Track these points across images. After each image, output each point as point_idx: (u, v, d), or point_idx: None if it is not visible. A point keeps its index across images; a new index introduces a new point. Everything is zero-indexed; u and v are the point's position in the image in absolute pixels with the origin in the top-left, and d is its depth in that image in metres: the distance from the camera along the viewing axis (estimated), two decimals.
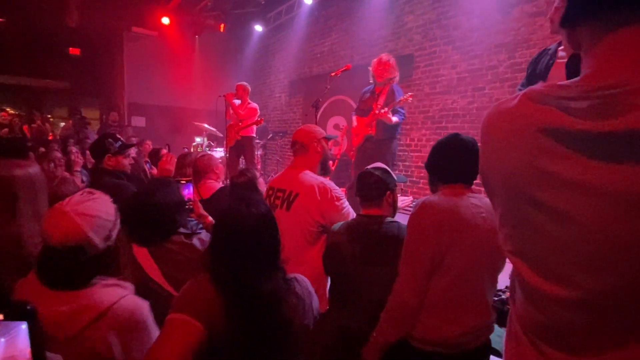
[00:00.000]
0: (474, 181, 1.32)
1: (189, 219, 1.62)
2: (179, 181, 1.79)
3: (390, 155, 3.52)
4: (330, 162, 3.27)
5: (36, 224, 1.37)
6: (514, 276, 0.64)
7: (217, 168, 2.42)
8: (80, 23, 7.64)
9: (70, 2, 7.20)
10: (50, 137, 6.63)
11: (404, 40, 5.64)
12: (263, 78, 9.38)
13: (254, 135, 5.42)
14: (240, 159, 5.46)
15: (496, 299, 1.87)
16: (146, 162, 4.03)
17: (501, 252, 0.67)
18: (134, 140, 5.49)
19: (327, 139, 2.01)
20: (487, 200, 1.23)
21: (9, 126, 6.76)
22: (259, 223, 1.07)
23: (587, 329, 0.54)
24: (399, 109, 3.44)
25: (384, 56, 3.59)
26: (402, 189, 5.19)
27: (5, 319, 0.49)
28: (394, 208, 1.64)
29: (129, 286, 1.09)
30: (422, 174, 5.34)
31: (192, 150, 6.94)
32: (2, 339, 0.49)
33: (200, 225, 1.61)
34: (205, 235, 1.53)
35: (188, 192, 1.80)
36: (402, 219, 1.56)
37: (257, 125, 5.24)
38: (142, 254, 1.37)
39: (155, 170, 3.40)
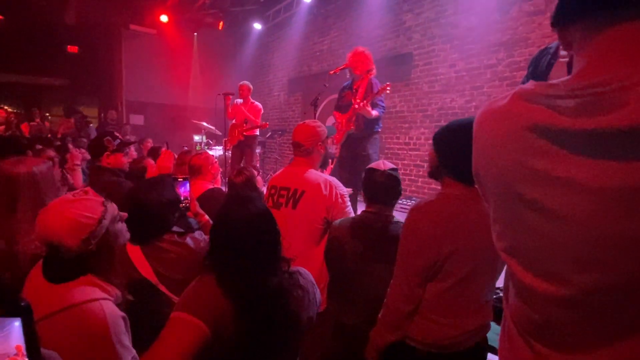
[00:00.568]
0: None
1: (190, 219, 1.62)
2: (176, 179, 1.78)
3: (374, 150, 3.41)
4: (330, 160, 3.27)
5: (32, 224, 1.37)
6: (507, 275, 0.65)
7: (213, 168, 2.41)
8: (78, 21, 7.62)
9: None
10: (49, 135, 6.60)
11: (402, 38, 5.63)
12: (262, 76, 9.36)
13: (257, 135, 5.43)
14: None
15: (494, 297, 1.87)
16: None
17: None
18: (132, 138, 5.48)
19: (327, 137, 2.01)
20: None
21: (5, 124, 6.73)
22: (257, 220, 1.07)
23: (579, 326, 0.54)
24: (379, 102, 3.35)
25: (359, 48, 3.51)
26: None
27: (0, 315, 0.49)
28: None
29: (113, 292, 1.04)
30: (420, 173, 5.35)
31: (195, 148, 6.92)
32: None
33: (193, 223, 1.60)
34: (199, 234, 1.53)
35: (184, 190, 1.80)
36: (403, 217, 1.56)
37: (262, 128, 5.32)
38: (135, 252, 1.37)
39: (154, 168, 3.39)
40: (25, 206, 1.38)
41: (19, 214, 1.37)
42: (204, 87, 9.17)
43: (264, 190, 2.10)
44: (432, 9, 5.21)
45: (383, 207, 1.59)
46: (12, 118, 6.93)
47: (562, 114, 0.50)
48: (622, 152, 0.45)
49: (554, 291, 0.53)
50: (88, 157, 3.05)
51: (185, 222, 1.55)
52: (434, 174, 1.30)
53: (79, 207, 1.02)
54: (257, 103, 5.29)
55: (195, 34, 8.90)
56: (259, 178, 2.23)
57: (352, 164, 3.40)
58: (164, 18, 8.10)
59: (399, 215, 1.57)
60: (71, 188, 2.98)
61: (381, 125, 3.50)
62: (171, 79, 8.80)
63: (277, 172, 2.06)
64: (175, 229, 1.46)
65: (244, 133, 5.15)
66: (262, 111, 5.33)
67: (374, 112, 3.29)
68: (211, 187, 2.36)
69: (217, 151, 6.67)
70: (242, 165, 5.09)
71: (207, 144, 7.25)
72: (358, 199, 3.15)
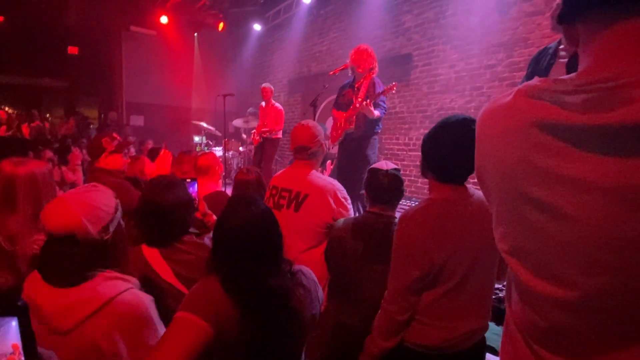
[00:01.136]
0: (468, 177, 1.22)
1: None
2: (184, 180, 1.78)
3: (372, 152, 3.31)
4: (329, 161, 3.26)
5: (32, 223, 1.37)
6: (510, 276, 0.63)
7: (220, 169, 2.42)
8: (78, 22, 7.63)
9: (69, 1, 7.18)
10: (49, 137, 6.61)
11: (402, 39, 5.63)
12: (261, 77, 9.36)
13: (279, 138, 5.43)
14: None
15: (493, 297, 1.87)
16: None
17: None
18: (132, 139, 5.49)
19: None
20: (478, 194, 1.21)
21: (6, 124, 6.74)
22: (259, 221, 1.07)
23: (587, 331, 0.51)
24: (380, 103, 3.24)
25: (362, 45, 3.37)
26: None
27: None
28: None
29: (133, 280, 1.08)
30: (419, 173, 5.34)
31: (195, 149, 6.93)
32: None
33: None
34: None
35: (192, 190, 1.80)
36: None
37: (274, 130, 5.32)
38: (152, 255, 1.36)
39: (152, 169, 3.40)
40: (25, 206, 1.38)
41: (18, 214, 1.37)
42: (204, 88, 9.18)
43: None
44: (431, 10, 5.21)
45: (385, 207, 1.58)
46: (14, 119, 6.94)
47: (569, 110, 0.48)
48: (632, 149, 0.44)
49: (561, 295, 0.51)
50: (88, 158, 3.06)
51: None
52: (423, 174, 1.31)
53: (96, 196, 1.04)
54: (278, 105, 5.34)
55: (196, 34, 8.90)
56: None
57: (350, 167, 3.31)
58: (164, 19, 8.11)
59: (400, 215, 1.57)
60: (72, 187, 2.99)
61: (381, 126, 3.41)
62: (171, 80, 8.81)
63: (278, 173, 2.05)
64: (192, 230, 1.46)
65: (262, 135, 5.24)
66: (283, 112, 5.35)
67: (376, 112, 3.17)
68: (218, 188, 2.37)
69: (217, 152, 6.68)
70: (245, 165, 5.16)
71: (207, 145, 7.25)
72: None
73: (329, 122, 6.96)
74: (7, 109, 8.06)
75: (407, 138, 5.55)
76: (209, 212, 1.74)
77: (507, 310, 0.64)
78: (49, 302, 0.96)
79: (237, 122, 7.03)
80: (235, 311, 0.99)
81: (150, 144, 5.08)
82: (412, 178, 5.42)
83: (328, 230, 1.82)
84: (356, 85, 3.40)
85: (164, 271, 1.34)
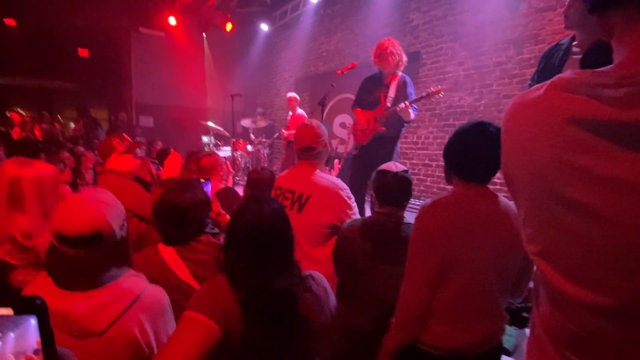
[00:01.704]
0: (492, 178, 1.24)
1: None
2: (198, 180, 1.81)
3: (396, 155, 3.23)
4: (337, 160, 3.24)
5: (43, 221, 1.39)
6: (537, 279, 0.59)
7: (222, 169, 2.44)
8: (88, 25, 7.73)
9: (79, 4, 7.28)
10: (60, 138, 6.71)
11: (410, 37, 5.60)
12: (269, 77, 9.39)
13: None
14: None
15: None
16: (154, 162, 4.07)
17: (517, 252, 0.61)
18: (141, 140, 5.55)
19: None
20: (502, 198, 1.20)
21: (20, 126, 6.86)
22: (272, 221, 1.07)
23: (622, 339, 0.48)
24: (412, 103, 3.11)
25: (384, 41, 3.16)
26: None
27: (15, 313, 0.50)
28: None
29: (144, 276, 1.13)
30: (429, 172, 5.31)
31: (204, 149, 6.98)
32: (12, 334, 0.49)
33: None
34: None
35: (207, 190, 1.82)
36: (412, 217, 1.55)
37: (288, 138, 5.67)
38: (169, 254, 1.37)
39: (162, 170, 3.43)
40: (34, 205, 1.40)
41: (28, 213, 1.39)
42: (213, 88, 9.23)
43: None
44: (439, 7, 5.17)
45: (394, 208, 1.58)
46: (27, 122, 7.06)
47: (609, 105, 0.45)
48: None
49: (596, 300, 0.49)
50: (99, 159, 3.10)
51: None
52: (448, 180, 1.32)
53: (107, 196, 1.06)
54: (300, 112, 5.65)
55: (204, 34, 8.96)
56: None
57: (375, 167, 3.21)
58: (172, 20, 8.17)
59: (408, 216, 1.56)
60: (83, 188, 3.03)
61: (405, 125, 3.28)
62: (180, 80, 8.87)
63: (283, 173, 2.05)
64: (208, 229, 1.47)
65: (288, 137, 5.60)
66: (303, 119, 5.53)
67: (412, 114, 3.05)
68: (222, 186, 2.39)
69: (225, 152, 6.72)
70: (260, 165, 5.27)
71: (216, 145, 7.30)
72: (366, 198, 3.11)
73: (338, 120, 6.96)
74: (19, 110, 8.20)
75: (415, 137, 5.51)
76: (223, 211, 1.75)
77: (534, 313, 0.61)
78: (77, 307, 0.95)
79: (246, 122, 7.06)
80: (239, 311, 0.99)
81: (159, 145, 5.12)
82: (421, 177, 5.38)
83: (332, 230, 1.82)
84: (385, 82, 3.21)
85: (181, 270, 1.35)
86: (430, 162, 5.30)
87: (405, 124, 3.21)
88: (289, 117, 5.95)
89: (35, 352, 0.51)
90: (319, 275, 1.18)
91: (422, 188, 5.34)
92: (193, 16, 8.36)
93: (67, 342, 0.92)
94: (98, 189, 1.10)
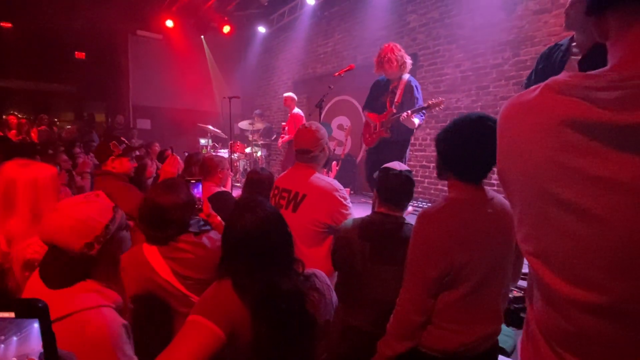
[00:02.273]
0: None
1: (197, 218, 1.64)
2: (189, 181, 1.81)
3: (404, 160, 3.21)
4: (335, 162, 3.25)
5: (31, 226, 1.36)
6: (532, 278, 0.60)
7: (222, 173, 2.44)
8: (85, 27, 7.72)
9: (76, 7, 7.27)
10: (57, 141, 6.69)
11: (407, 39, 5.62)
12: (267, 79, 9.40)
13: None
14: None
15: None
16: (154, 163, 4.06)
17: (515, 253, 0.61)
18: (138, 142, 5.54)
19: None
20: (498, 197, 1.20)
21: (16, 129, 6.84)
22: (266, 224, 1.07)
23: (615, 337, 0.49)
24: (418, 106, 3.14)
25: (384, 47, 3.15)
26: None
27: (17, 316, 0.50)
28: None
29: (113, 298, 1.01)
30: (426, 174, 5.32)
31: (202, 151, 6.98)
32: (14, 337, 0.49)
33: (202, 223, 1.61)
34: (214, 234, 1.54)
35: (197, 191, 1.82)
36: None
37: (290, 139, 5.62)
38: (152, 254, 1.38)
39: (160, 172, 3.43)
40: (24, 209, 1.38)
41: (16, 217, 1.37)
42: (210, 90, 9.23)
43: None
44: (436, 10, 5.20)
45: (394, 208, 1.58)
46: (24, 124, 7.03)
47: (602, 107, 0.46)
48: None
49: (590, 299, 0.49)
50: (96, 162, 3.09)
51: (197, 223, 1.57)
52: (440, 175, 1.28)
53: (88, 209, 1.01)
54: (296, 111, 5.59)
55: (203, 36, 8.96)
56: None
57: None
58: (169, 23, 8.17)
59: (409, 218, 1.57)
60: (80, 192, 3.02)
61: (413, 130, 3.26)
62: (177, 83, 8.87)
63: (282, 174, 2.06)
64: (191, 229, 1.48)
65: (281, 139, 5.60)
66: (303, 118, 5.54)
67: (416, 121, 3.05)
68: (218, 189, 2.39)
69: (222, 154, 6.71)
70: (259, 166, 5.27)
71: (213, 147, 7.29)
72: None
73: (335, 122, 6.98)
74: (16, 113, 8.17)
75: (412, 138, 5.51)
76: (213, 212, 1.76)
77: (528, 312, 0.62)
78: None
79: (243, 124, 7.06)
80: (247, 315, 0.99)
81: (157, 147, 5.11)
82: (419, 178, 5.40)
83: (327, 230, 1.82)
84: (390, 88, 3.24)
85: (162, 269, 1.37)
86: (427, 164, 5.31)
87: (413, 130, 3.22)
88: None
89: (40, 356, 0.51)
90: (321, 273, 1.19)
91: (419, 189, 5.35)
92: (190, 19, 8.36)
93: None
94: (89, 198, 1.06)
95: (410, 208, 2.04)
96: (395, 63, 3.10)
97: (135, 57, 8.74)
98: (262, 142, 7.25)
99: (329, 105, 7.01)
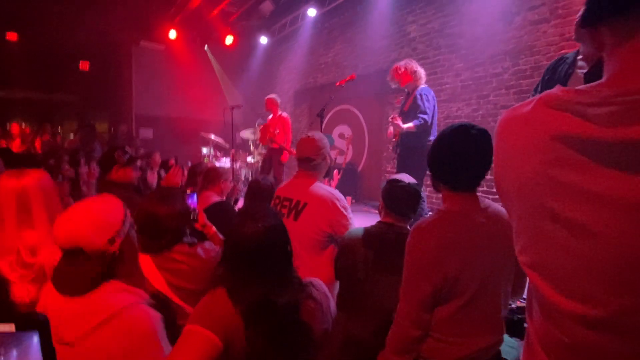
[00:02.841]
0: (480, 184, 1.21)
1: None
2: (184, 191, 1.82)
3: (421, 167, 3.16)
4: (336, 170, 3.27)
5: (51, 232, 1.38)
6: (531, 290, 0.60)
7: (224, 183, 2.45)
8: (89, 38, 7.83)
9: (80, 18, 7.38)
10: (60, 151, 6.72)
11: (407, 49, 5.67)
12: (268, 89, 9.45)
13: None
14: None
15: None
16: (157, 172, 4.07)
17: (515, 263, 0.61)
18: (141, 151, 5.56)
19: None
20: (494, 205, 1.20)
21: (21, 137, 6.89)
22: (267, 236, 1.07)
23: (612, 351, 0.48)
24: (420, 115, 3.29)
25: (398, 65, 3.52)
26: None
27: (18, 329, 0.50)
28: None
29: (143, 294, 1.06)
30: (427, 182, 5.32)
31: (203, 160, 7.00)
32: (14, 350, 0.50)
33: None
34: (209, 244, 1.54)
35: (192, 202, 1.83)
36: None
37: (291, 154, 5.29)
38: (145, 262, 1.38)
39: (163, 182, 3.44)
40: (42, 216, 1.37)
41: (36, 225, 1.36)
42: (212, 100, 9.30)
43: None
44: (436, 20, 5.25)
45: (399, 219, 1.59)
46: (28, 134, 7.08)
47: (594, 123, 0.46)
48: None
49: (585, 312, 0.49)
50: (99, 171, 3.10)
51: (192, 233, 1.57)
52: (435, 187, 1.28)
53: (104, 207, 1.05)
54: (284, 114, 5.30)
55: (206, 46, 9.05)
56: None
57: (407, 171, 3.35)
58: (172, 34, 8.28)
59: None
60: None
61: (430, 139, 3.35)
62: (180, 92, 8.94)
63: (283, 183, 2.07)
64: (185, 239, 1.48)
65: (272, 141, 5.14)
66: (290, 120, 5.33)
67: (406, 125, 3.27)
68: (218, 199, 2.39)
69: (224, 163, 6.73)
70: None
71: (215, 156, 7.32)
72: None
73: (337, 131, 7.00)
74: (20, 123, 8.25)
75: None
76: (209, 223, 1.76)
77: (528, 324, 0.62)
78: (58, 312, 0.95)
79: (245, 134, 7.09)
80: (242, 323, 0.99)
81: (157, 156, 5.12)
82: None
83: (328, 239, 1.82)
84: (407, 94, 3.57)
85: (156, 279, 1.36)
86: (428, 173, 5.31)
87: (425, 136, 3.35)
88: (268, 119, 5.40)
89: None
90: (318, 282, 1.18)
91: None
92: (193, 30, 8.48)
93: (57, 346, 0.91)
94: (99, 198, 1.09)
95: None
96: (397, 79, 3.51)
97: (138, 67, 8.83)
98: (264, 151, 7.26)
99: (330, 114, 7.05)
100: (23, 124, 8.32)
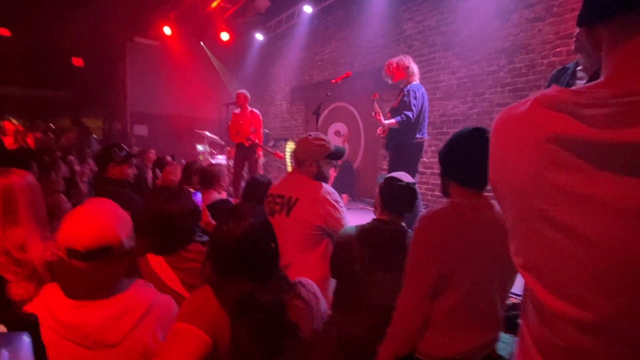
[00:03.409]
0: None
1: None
2: (188, 190, 1.81)
3: (411, 164, 3.20)
4: (332, 169, 3.26)
5: (38, 228, 1.38)
6: (526, 291, 0.60)
7: (224, 180, 2.46)
8: (83, 34, 7.75)
9: (73, 13, 7.30)
10: (53, 148, 6.67)
11: (403, 47, 5.67)
12: (264, 86, 9.43)
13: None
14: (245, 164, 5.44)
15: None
16: (151, 170, 4.05)
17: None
18: (136, 149, 5.53)
19: (329, 157, 1.95)
20: (498, 206, 1.21)
21: (13, 135, 6.82)
22: (250, 234, 1.06)
23: (604, 354, 0.48)
24: (404, 111, 3.26)
25: (391, 61, 3.54)
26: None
27: (8, 330, 0.50)
28: None
29: (152, 285, 1.14)
30: (423, 180, 5.34)
31: (199, 157, 6.97)
32: (5, 351, 0.49)
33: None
34: None
35: (196, 200, 1.83)
36: None
37: (277, 158, 5.33)
38: (158, 263, 1.37)
39: (159, 179, 3.42)
40: (27, 214, 1.38)
41: (22, 223, 1.36)
42: (207, 97, 9.26)
43: None
44: (432, 17, 5.25)
45: (395, 216, 1.59)
46: (20, 130, 7.01)
47: (589, 125, 0.45)
48: None
49: (577, 315, 0.48)
50: (95, 168, 3.08)
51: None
52: (445, 191, 1.32)
53: (114, 207, 1.06)
54: (255, 111, 5.19)
55: (202, 43, 8.99)
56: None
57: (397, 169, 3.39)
58: (167, 30, 8.21)
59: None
60: (79, 199, 3.01)
61: (420, 136, 3.36)
62: (175, 89, 8.89)
63: (277, 182, 2.08)
64: (197, 238, 1.47)
65: (249, 140, 5.01)
66: (261, 117, 5.24)
67: (388, 121, 3.28)
68: (220, 197, 2.39)
69: (220, 160, 6.71)
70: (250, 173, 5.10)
71: (210, 154, 7.29)
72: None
73: (332, 129, 7.00)
74: (12, 120, 8.15)
75: (425, 145, 5.55)
76: (213, 222, 1.76)
77: (522, 323, 0.61)
78: (91, 318, 0.96)
79: None
80: (229, 321, 0.99)
81: (152, 154, 5.09)
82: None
83: (321, 234, 1.83)
84: (399, 91, 3.54)
85: (170, 279, 1.35)
86: (424, 170, 5.33)
87: (407, 134, 3.33)
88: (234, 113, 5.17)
89: None
90: (308, 281, 1.18)
91: None
92: (188, 26, 8.41)
93: (81, 354, 0.92)
94: (102, 200, 1.09)
95: None
96: (389, 75, 3.50)
97: (132, 63, 8.77)
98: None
99: (326, 111, 7.04)
100: (14, 120, 8.22)
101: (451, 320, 1.19)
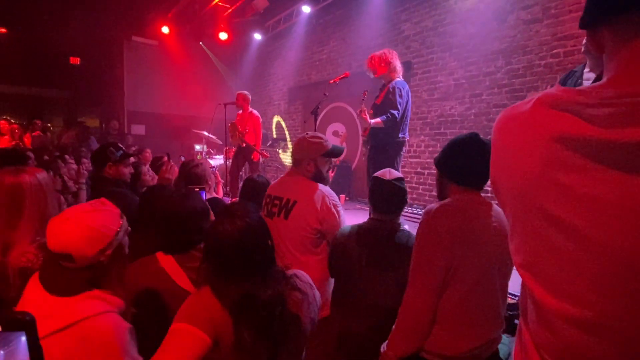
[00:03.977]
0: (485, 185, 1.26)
1: None
2: (193, 189, 1.82)
3: (392, 164, 3.13)
4: (330, 171, 3.25)
5: (33, 230, 1.36)
6: (524, 290, 0.60)
7: (210, 179, 2.44)
8: (80, 33, 7.72)
9: (71, 12, 7.27)
10: (51, 147, 6.64)
11: (401, 47, 5.68)
12: (262, 85, 9.43)
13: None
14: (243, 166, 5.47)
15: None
16: (148, 170, 4.03)
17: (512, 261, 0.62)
18: (133, 148, 5.51)
19: (327, 156, 1.94)
20: (496, 205, 1.22)
21: (9, 134, 6.78)
22: (245, 232, 1.07)
23: (602, 352, 0.48)
24: (390, 110, 3.16)
25: (373, 54, 3.38)
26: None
27: (4, 329, 0.50)
28: None
29: (117, 303, 1.04)
30: (421, 180, 5.35)
31: (197, 157, 6.95)
32: (1, 351, 0.49)
33: None
34: None
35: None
36: (411, 227, 1.57)
37: (263, 157, 5.29)
38: (168, 262, 1.37)
39: (156, 179, 3.40)
40: (30, 216, 1.36)
41: (21, 224, 1.35)
42: (205, 96, 9.24)
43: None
44: (430, 18, 5.27)
45: (388, 215, 1.59)
46: (16, 129, 6.97)
47: (592, 124, 0.45)
48: None
49: (576, 314, 0.49)
50: (90, 168, 3.07)
51: None
52: (439, 194, 1.35)
53: (100, 218, 1.04)
54: (255, 113, 5.25)
55: (201, 42, 8.97)
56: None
57: (367, 175, 3.32)
58: (165, 29, 8.19)
59: (412, 226, 1.57)
60: (75, 199, 2.99)
61: (402, 136, 3.28)
62: (172, 89, 8.87)
63: (274, 182, 2.07)
64: None
65: (243, 141, 5.05)
66: (261, 119, 5.30)
67: (374, 120, 3.15)
68: (210, 196, 2.38)
69: (217, 160, 6.70)
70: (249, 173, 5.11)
71: (208, 153, 7.28)
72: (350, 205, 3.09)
73: (330, 129, 7.00)
74: (9, 119, 8.11)
75: (407, 145, 5.56)
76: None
77: (521, 321, 0.62)
78: (37, 305, 0.96)
79: None
80: (229, 320, 1.00)
81: (148, 153, 5.06)
82: (413, 185, 5.42)
83: (320, 236, 1.83)
84: (380, 87, 3.39)
85: (180, 278, 1.35)
86: (422, 170, 5.34)
87: (391, 133, 3.24)
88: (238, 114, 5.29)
89: None
90: (302, 273, 1.20)
91: (414, 196, 5.37)
92: (186, 25, 8.39)
93: None
94: (97, 204, 1.08)
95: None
96: (372, 69, 3.34)
97: (130, 62, 8.74)
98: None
99: (324, 112, 7.04)
100: (11, 119, 8.18)
101: (457, 316, 1.20)
